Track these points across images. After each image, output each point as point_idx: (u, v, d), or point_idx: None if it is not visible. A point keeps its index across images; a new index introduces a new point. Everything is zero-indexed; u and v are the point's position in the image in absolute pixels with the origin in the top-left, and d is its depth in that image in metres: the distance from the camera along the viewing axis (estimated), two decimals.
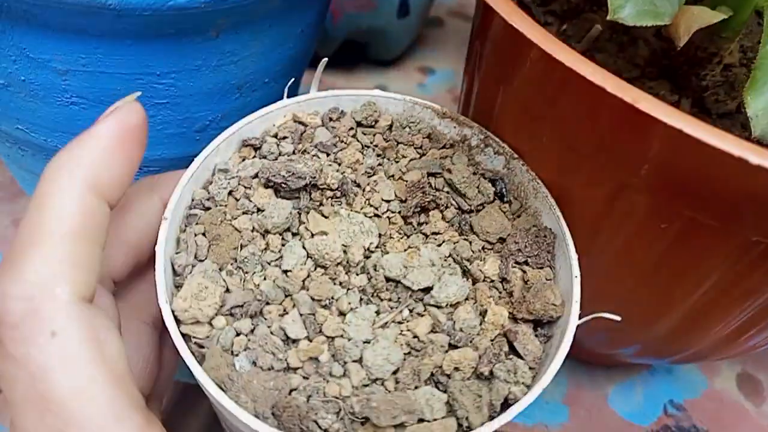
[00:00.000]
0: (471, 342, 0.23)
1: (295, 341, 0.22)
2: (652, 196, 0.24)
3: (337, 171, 0.27)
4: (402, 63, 0.57)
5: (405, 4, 0.50)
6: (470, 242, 0.26)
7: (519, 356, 0.23)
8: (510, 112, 0.28)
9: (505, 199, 0.27)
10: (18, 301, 0.17)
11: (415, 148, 0.29)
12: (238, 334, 0.22)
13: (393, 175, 0.28)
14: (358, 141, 0.29)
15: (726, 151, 0.18)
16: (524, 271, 0.25)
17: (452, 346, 0.23)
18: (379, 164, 0.28)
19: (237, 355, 0.21)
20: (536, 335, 0.24)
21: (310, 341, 0.22)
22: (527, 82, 0.26)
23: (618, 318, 0.24)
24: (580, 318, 0.23)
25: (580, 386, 0.38)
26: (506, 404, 0.22)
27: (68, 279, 0.17)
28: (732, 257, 0.24)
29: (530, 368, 0.22)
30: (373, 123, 0.29)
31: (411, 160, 0.28)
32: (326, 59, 0.30)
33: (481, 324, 0.23)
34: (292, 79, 0.30)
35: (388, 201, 0.26)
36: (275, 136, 0.28)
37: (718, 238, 0.23)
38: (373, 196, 0.26)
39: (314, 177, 0.25)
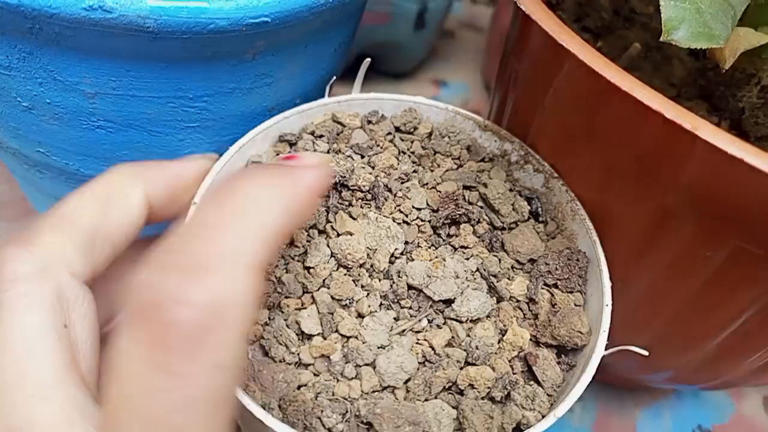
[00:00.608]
0: (487, 361, 0.22)
1: (309, 337, 0.22)
2: (697, 222, 0.23)
3: (370, 174, 0.26)
4: (414, 76, 0.56)
5: (422, 17, 0.50)
6: (499, 259, 0.25)
7: (537, 381, 0.22)
8: (548, 130, 0.27)
9: (541, 218, 0.27)
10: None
11: (452, 158, 0.28)
12: (254, 324, 0.22)
13: (427, 184, 0.27)
14: (395, 146, 0.28)
15: None
16: (553, 294, 0.24)
17: (468, 363, 0.22)
18: (414, 171, 0.27)
19: (251, 344, 0.21)
20: (559, 362, 0.23)
21: (324, 338, 0.22)
22: (568, 99, 0.25)
23: (646, 353, 0.23)
24: (606, 348, 0.22)
25: (609, 411, 0.37)
26: (518, 429, 0.21)
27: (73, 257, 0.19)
28: None
29: (548, 395, 0.22)
30: (412, 129, 0.29)
31: (447, 170, 0.28)
32: (369, 60, 0.29)
33: (499, 342, 0.23)
34: (334, 78, 0.30)
35: (419, 209, 0.26)
36: (312, 133, 0.28)
37: (764, 267, 0.23)
38: (404, 203, 0.26)
39: (344, 177, 0.25)
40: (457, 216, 0.25)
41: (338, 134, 0.28)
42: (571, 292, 0.24)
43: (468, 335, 0.23)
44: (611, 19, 0.33)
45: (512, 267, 0.25)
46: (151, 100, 0.23)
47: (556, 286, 0.24)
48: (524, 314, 0.24)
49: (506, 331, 0.23)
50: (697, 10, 0.22)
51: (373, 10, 0.47)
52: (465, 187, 0.27)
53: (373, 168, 0.27)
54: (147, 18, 0.20)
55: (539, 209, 0.26)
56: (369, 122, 0.28)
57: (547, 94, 0.25)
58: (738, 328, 0.26)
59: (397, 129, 0.29)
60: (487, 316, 0.23)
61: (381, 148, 0.28)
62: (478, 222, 0.26)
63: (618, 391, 0.38)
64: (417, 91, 0.56)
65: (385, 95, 0.29)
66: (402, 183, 0.26)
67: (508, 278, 0.25)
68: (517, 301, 0.24)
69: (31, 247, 0.19)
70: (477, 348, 0.22)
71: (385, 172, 0.27)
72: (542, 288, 0.24)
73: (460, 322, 0.23)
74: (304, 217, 0.19)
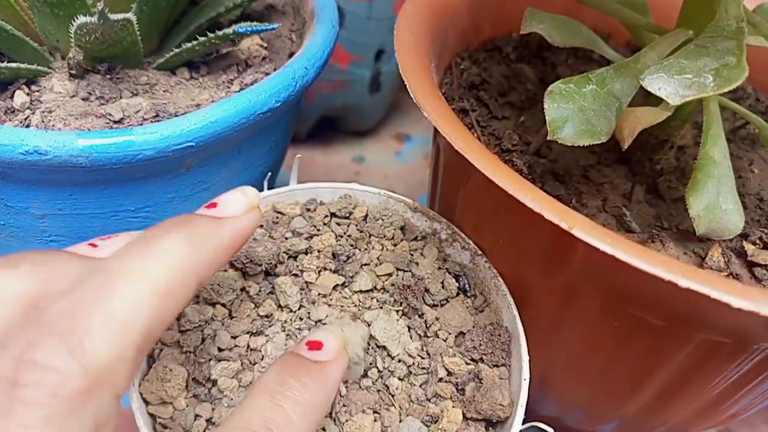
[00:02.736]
0: None
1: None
2: (602, 298, 0.25)
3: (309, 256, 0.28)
4: (377, 132, 0.59)
5: (376, 80, 0.52)
6: (436, 334, 0.27)
7: None
8: (469, 213, 0.29)
9: (469, 294, 0.29)
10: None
11: (387, 239, 0.30)
12: (197, 417, 0.23)
13: (368, 264, 0.29)
14: (332, 231, 0.30)
15: (656, 275, 0.19)
16: (479, 369, 0.26)
17: None
18: (352, 255, 0.29)
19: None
20: None
21: None
22: (476, 197, 0.28)
23: (551, 430, 0.25)
24: (523, 423, 0.24)
25: None
26: None
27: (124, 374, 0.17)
28: (683, 351, 0.25)
29: None
30: (348, 214, 0.31)
31: (382, 252, 0.30)
32: (299, 156, 0.31)
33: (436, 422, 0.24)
34: (269, 174, 0.32)
35: (365, 291, 0.28)
36: None
37: (667, 336, 0.25)
38: (351, 286, 0.28)
39: (270, 263, 0.26)
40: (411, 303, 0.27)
41: (276, 222, 0.30)
42: (496, 366, 0.26)
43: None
44: (536, 90, 0.36)
45: (446, 341, 0.27)
46: (95, 216, 0.25)
47: (482, 360, 0.26)
48: (456, 389, 0.26)
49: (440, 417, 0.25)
50: (580, 108, 0.24)
51: (328, 79, 0.50)
52: (398, 269, 0.29)
53: (309, 253, 0.29)
54: (79, 156, 0.22)
55: (467, 285, 0.28)
56: (308, 210, 0.30)
57: (459, 192, 0.27)
58: (662, 383, 0.28)
59: (333, 214, 0.31)
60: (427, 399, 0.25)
61: (320, 232, 0.30)
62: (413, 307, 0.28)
63: None
64: (381, 146, 0.59)
65: (320, 184, 0.31)
66: (344, 263, 0.29)
67: (447, 355, 0.27)
68: (450, 374, 0.26)
69: (84, 358, 0.16)
70: None
71: (325, 254, 0.29)
72: (469, 363, 0.26)
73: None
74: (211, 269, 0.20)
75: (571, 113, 0.23)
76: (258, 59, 0.29)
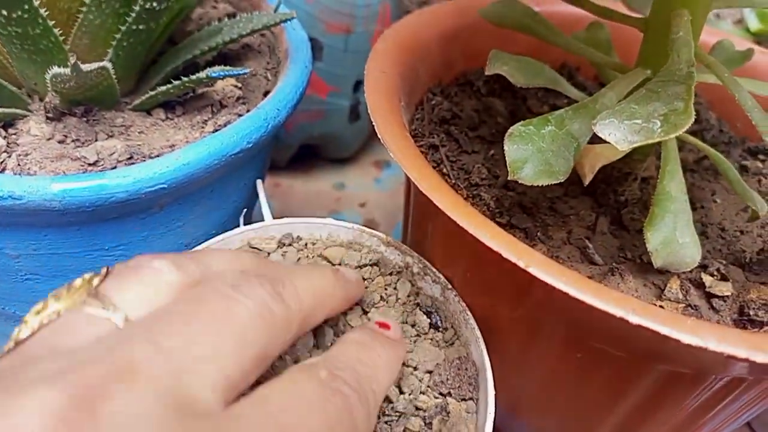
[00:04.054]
0: None
1: None
2: (564, 330, 0.26)
3: None
4: (357, 158, 0.60)
5: (355, 110, 0.53)
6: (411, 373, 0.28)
7: None
8: (438, 246, 0.30)
9: (440, 328, 0.29)
10: None
11: (364, 279, 0.31)
12: None
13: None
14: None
15: (607, 311, 0.20)
16: (447, 403, 0.26)
17: None
18: None
19: None
20: None
21: None
22: (443, 229, 0.28)
23: None
24: None
25: None
26: None
27: None
28: (645, 381, 0.26)
29: None
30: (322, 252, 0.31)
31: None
32: (263, 189, 0.32)
33: None
34: (245, 209, 0.33)
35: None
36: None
37: (629, 367, 0.25)
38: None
39: None
40: None
41: None
42: (464, 400, 0.27)
43: None
44: (507, 124, 0.37)
45: (421, 381, 0.28)
46: (70, 255, 0.26)
47: (449, 394, 0.27)
48: (424, 423, 0.26)
49: None
50: (538, 149, 0.25)
51: (307, 110, 0.51)
52: (365, 312, 0.29)
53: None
54: (53, 200, 0.22)
55: (438, 322, 0.29)
56: (283, 245, 0.31)
57: (428, 227, 0.28)
58: (629, 412, 0.28)
59: (306, 246, 0.31)
60: None
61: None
62: None
63: None
64: (361, 173, 0.60)
65: (296, 219, 0.32)
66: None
67: (420, 392, 0.27)
68: (419, 409, 0.27)
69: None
70: None
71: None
72: (437, 398, 0.27)
73: None
74: None
75: (531, 154, 0.24)
76: (232, 99, 0.30)
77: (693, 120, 0.21)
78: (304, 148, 0.56)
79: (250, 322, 0.18)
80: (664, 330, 0.20)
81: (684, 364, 0.24)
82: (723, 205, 0.34)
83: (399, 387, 0.27)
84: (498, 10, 0.35)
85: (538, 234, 0.29)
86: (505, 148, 0.24)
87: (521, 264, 0.21)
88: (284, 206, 0.53)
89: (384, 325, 0.26)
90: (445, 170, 0.31)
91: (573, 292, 0.21)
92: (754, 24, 0.54)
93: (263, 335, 0.18)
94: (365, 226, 0.31)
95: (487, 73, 0.29)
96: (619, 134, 0.21)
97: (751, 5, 0.29)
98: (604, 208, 0.32)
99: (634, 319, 0.20)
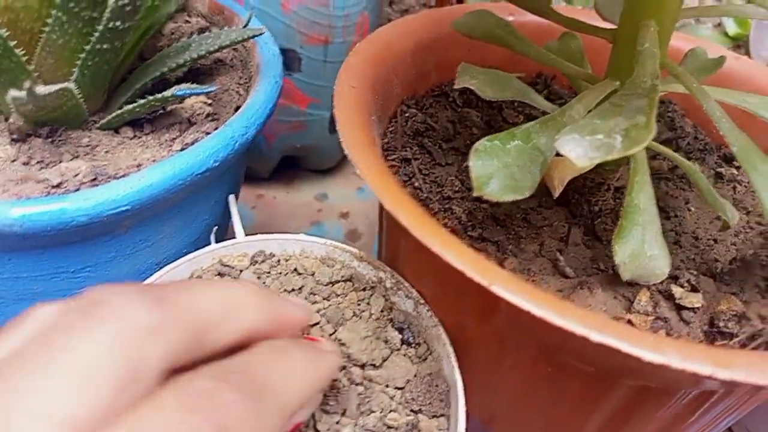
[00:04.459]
0: None
1: None
2: (533, 346, 0.26)
3: None
4: (340, 169, 0.60)
5: (335, 120, 0.53)
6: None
7: None
8: (410, 261, 0.30)
9: (413, 344, 0.29)
10: None
11: (336, 296, 0.30)
12: None
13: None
14: (280, 283, 0.30)
15: (569, 330, 0.20)
16: (418, 420, 0.26)
17: None
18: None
19: None
20: None
21: None
22: (413, 245, 0.28)
23: None
24: None
25: None
26: None
27: None
28: (615, 395, 0.25)
29: None
30: (296, 268, 0.31)
31: (324, 309, 0.30)
32: (235, 204, 0.32)
33: None
34: (216, 227, 0.32)
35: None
36: (199, 278, 0.30)
37: (597, 381, 0.25)
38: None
39: None
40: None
41: (221, 275, 0.30)
42: (435, 417, 0.27)
43: None
44: (482, 135, 0.37)
45: (392, 398, 0.27)
46: (35, 279, 0.26)
47: (421, 411, 0.27)
48: None
49: None
50: (504, 164, 0.24)
51: (287, 121, 0.51)
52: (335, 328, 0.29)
53: None
54: (13, 225, 0.22)
55: (410, 338, 0.29)
56: (255, 262, 0.31)
57: (401, 242, 0.28)
58: (599, 425, 0.28)
59: (278, 263, 0.31)
60: None
61: (266, 286, 0.30)
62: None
63: None
64: (343, 183, 0.60)
65: (269, 236, 0.32)
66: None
67: (390, 410, 0.27)
68: (389, 427, 0.26)
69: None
70: None
71: None
72: (409, 414, 0.27)
73: None
74: None
75: (496, 170, 0.24)
76: (202, 116, 0.30)
77: (654, 134, 0.21)
78: (287, 159, 0.55)
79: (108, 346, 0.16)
80: (625, 348, 0.20)
81: (652, 380, 0.24)
82: (697, 214, 0.34)
83: (369, 406, 0.26)
84: (469, 21, 0.35)
85: (510, 247, 0.29)
86: (470, 164, 0.24)
87: (484, 282, 0.21)
88: (267, 218, 0.53)
89: (312, 340, 0.25)
90: (417, 184, 0.31)
91: (535, 311, 0.21)
92: (732, 28, 0.54)
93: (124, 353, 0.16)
94: (348, 236, 0.31)
95: (456, 87, 0.29)
96: (580, 150, 0.21)
97: (720, 15, 0.29)
98: (578, 218, 0.32)
99: (595, 338, 0.20)
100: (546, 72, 0.43)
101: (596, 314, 0.21)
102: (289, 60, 0.47)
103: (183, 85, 0.27)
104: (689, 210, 0.34)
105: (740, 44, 0.56)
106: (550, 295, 0.22)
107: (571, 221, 0.32)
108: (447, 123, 0.37)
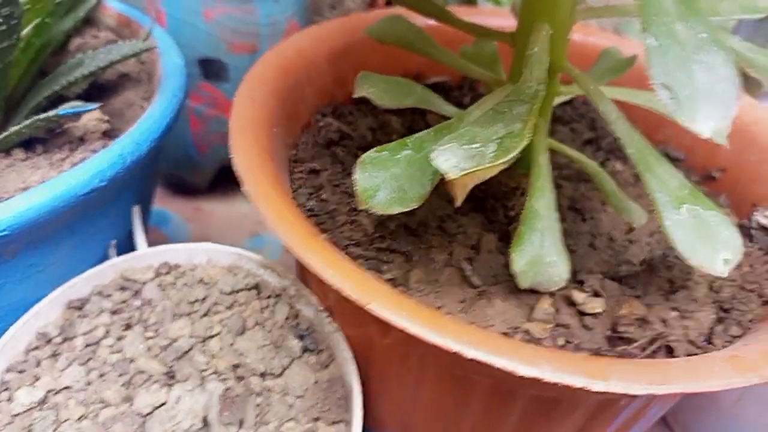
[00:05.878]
0: None
1: None
2: (432, 359, 0.25)
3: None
4: None
5: None
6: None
7: None
8: (313, 274, 0.29)
9: (315, 350, 0.29)
10: None
11: (238, 304, 0.30)
12: None
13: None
14: (184, 295, 0.30)
15: (445, 347, 0.20)
16: (316, 428, 0.26)
17: None
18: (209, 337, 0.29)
19: None
20: None
21: None
22: None
23: None
24: None
25: None
26: None
27: None
28: (518, 405, 0.25)
29: None
30: (201, 278, 0.31)
31: (226, 318, 0.29)
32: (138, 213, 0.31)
33: None
34: (114, 240, 0.31)
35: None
36: (100, 293, 0.29)
37: (498, 393, 0.25)
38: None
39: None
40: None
41: (124, 290, 0.29)
42: (334, 423, 0.26)
43: None
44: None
45: (290, 406, 0.27)
46: None
47: (318, 419, 0.26)
48: None
49: None
50: (392, 176, 0.24)
51: (219, 131, 0.50)
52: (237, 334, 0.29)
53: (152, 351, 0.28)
54: None
55: (311, 344, 0.28)
56: (160, 274, 0.30)
57: None
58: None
59: (183, 275, 0.30)
60: None
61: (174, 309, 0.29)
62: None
63: None
64: None
65: (175, 246, 0.31)
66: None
67: (288, 419, 0.26)
68: None
69: None
70: None
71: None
72: (307, 422, 0.26)
73: None
74: None
75: (383, 181, 0.24)
76: (96, 134, 0.29)
77: (527, 142, 0.21)
78: (225, 171, 0.55)
79: None
80: (499, 362, 0.19)
81: (545, 390, 0.24)
82: (614, 215, 0.33)
83: (267, 416, 0.26)
84: (382, 27, 0.34)
85: (418, 257, 0.29)
86: (355, 177, 0.24)
87: (362, 301, 0.21)
88: (203, 231, 0.52)
89: None
90: (324, 196, 0.31)
91: (411, 329, 0.20)
92: None
93: None
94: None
95: (354, 96, 0.28)
96: (453, 161, 0.21)
97: (618, 15, 0.28)
98: (494, 224, 0.32)
99: (470, 353, 0.20)
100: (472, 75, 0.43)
101: (472, 329, 0.21)
102: (216, 69, 0.46)
103: (67, 104, 0.26)
104: (605, 212, 0.34)
105: None
106: (431, 311, 0.21)
107: (488, 227, 0.31)
108: (366, 130, 0.36)
